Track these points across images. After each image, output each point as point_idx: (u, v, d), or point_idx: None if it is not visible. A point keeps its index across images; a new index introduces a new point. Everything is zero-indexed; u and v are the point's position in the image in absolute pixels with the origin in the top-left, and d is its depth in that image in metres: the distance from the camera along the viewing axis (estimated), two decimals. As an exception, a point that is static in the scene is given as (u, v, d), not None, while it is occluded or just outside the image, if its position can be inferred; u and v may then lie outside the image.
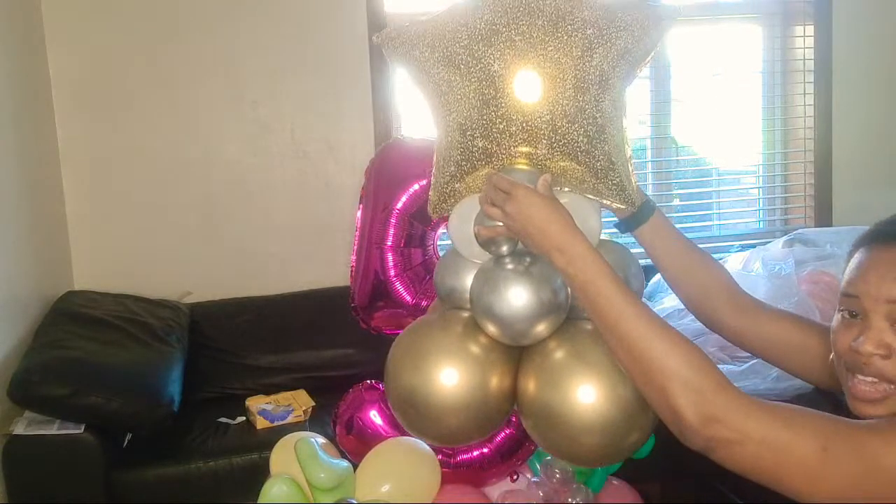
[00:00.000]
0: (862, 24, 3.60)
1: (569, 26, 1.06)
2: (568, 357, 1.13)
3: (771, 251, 3.17)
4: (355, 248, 1.70)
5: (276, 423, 2.71)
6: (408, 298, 1.65)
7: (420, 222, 1.67)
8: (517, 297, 1.11)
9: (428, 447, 1.47)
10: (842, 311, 1.04)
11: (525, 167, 1.10)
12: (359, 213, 1.70)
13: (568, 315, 1.17)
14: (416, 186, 1.63)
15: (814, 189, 3.67)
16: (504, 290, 1.11)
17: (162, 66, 3.14)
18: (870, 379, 0.99)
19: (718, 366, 3.02)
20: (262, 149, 3.24)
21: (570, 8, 1.07)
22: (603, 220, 1.22)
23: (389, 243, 1.64)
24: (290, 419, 2.73)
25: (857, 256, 1.04)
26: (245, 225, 3.26)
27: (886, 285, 0.98)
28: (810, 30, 3.58)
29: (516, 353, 1.19)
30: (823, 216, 3.66)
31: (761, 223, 3.84)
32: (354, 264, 1.70)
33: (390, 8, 3.29)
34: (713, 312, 1.26)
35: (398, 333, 1.71)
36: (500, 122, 1.09)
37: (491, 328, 1.15)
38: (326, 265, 3.20)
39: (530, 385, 1.15)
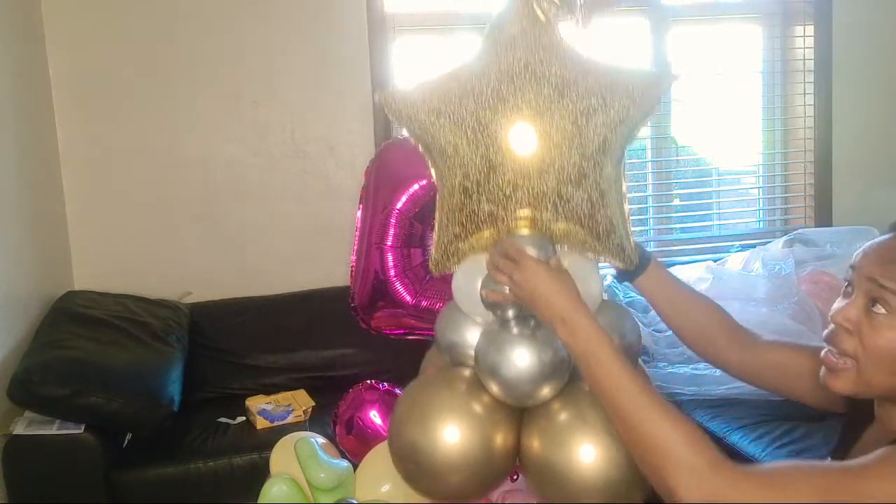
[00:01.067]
0: (862, 24, 3.60)
1: (574, 94, 1.07)
2: (571, 418, 1.15)
3: (771, 251, 3.17)
4: (355, 248, 1.70)
5: (276, 423, 2.70)
6: (408, 298, 1.65)
7: (420, 222, 1.67)
8: (522, 359, 1.13)
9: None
10: (844, 282, 1.08)
11: (531, 232, 1.12)
12: (359, 213, 1.70)
13: (570, 376, 1.18)
14: (416, 186, 1.63)
15: (814, 189, 3.67)
16: (509, 353, 1.13)
17: (162, 66, 3.14)
18: (835, 352, 1.04)
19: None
20: (262, 149, 3.24)
21: (574, 76, 1.08)
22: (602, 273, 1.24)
23: (389, 243, 1.64)
24: (290, 419, 2.73)
25: (883, 236, 1.07)
26: (245, 225, 3.26)
27: (874, 264, 1.02)
28: (810, 30, 3.58)
29: (519, 412, 1.20)
30: (823, 216, 3.66)
31: (761, 223, 3.84)
32: (354, 264, 1.70)
33: (390, 8, 3.29)
34: (716, 352, 1.30)
35: (398, 333, 1.71)
36: (507, 187, 1.10)
37: (495, 389, 1.16)
38: (326, 265, 3.20)
39: (534, 444, 1.17)
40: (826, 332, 1.06)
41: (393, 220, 1.64)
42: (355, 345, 2.98)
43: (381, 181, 1.69)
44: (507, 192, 1.10)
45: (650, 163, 3.68)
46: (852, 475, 0.95)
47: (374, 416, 1.70)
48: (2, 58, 2.70)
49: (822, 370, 1.07)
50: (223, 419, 2.77)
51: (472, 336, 1.20)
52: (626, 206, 1.17)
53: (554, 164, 1.08)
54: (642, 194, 3.68)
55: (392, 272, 1.64)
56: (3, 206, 2.63)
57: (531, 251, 1.10)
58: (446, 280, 1.69)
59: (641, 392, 1.04)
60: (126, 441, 2.60)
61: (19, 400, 2.44)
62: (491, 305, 1.15)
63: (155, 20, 3.11)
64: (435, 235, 1.20)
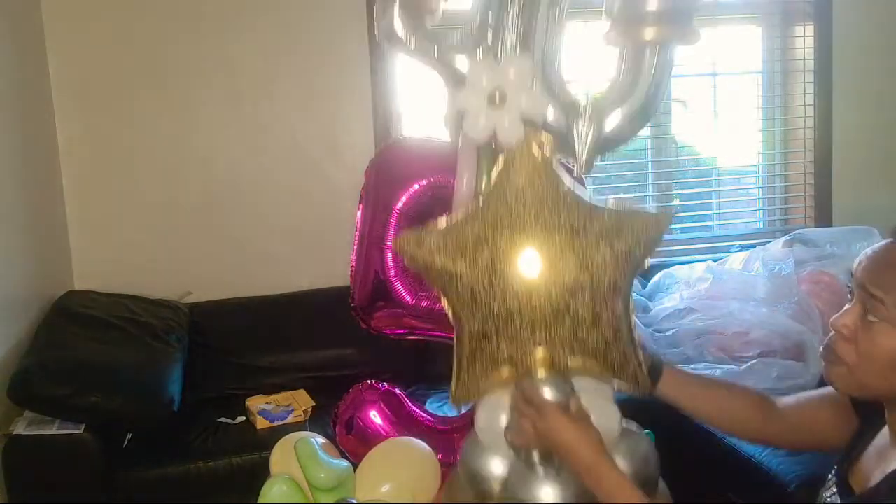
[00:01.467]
0: (862, 24, 3.60)
1: (584, 241, 1.10)
2: None
3: (771, 251, 3.17)
4: (355, 248, 1.70)
5: (276, 423, 2.70)
6: (408, 298, 1.65)
7: (420, 222, 1.67)
8: (548, 497, 1.16)
9: (428, 447, 1.47)
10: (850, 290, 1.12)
11: (548, 373, 1.15)
12: (359, 213, 1.70)
13: None
14: (416, 186, 1.63)
15: (814, 189, 3.68)
16: (536, 492, 1.16)
17: (162, 66, 3.13)
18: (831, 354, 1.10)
19: (719, 366, 3.06)
20: (262, 149, 3.24)
21: (583, 223, 1.11)
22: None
23: (389, 243, 1.64)
24: (290, 419, 2.73)
25: (879, 243, 1.10)
26: (245, 225, 3.26)
27: (868, 272, 1.06)
28: (810, 30, 3.58)
29: None
30: (823, 216, 3.66)
31: (761, 223, 3.84)
32: (354, 264, 1.70)
33: (390, 8, 3.28)
34: (756, 431, 1.32)
35: (398, 333, 1.71)
36: (525, 331, 1.13)
37: None
38: (326, 265, 3.19)
39: None
40: (827, 337, 1.11)
41: (393, 220, 1.63)
42: (355, 345, 2.97)
43: (381, 181, 1.69)
44: (525, 336, 1.13)
45: (650, 163, 3.68)
46: None
47: (374, 416, 1.70)
48: (2, 58, 2.70)
49: (826, 369, 1.11)
50: (223, 419, 2.77)
51: (496, 468, 1.22)
52: (637, 334, 1.20)
53: (569, 309, 1.11)
54: (642, 194, 3.68)
55: (392, 272, 1.64)
56: (3, 206, 2.63)
57: (552, 395, 1.13)
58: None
59: None
60: (126, 441, 2.60)
61: (19, 400, 2.43)
62: (516, 449, 1.19)
63: (155, 21, 3.11)
64: (454, 373, 1.23)
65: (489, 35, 1.11)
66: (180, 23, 3.13)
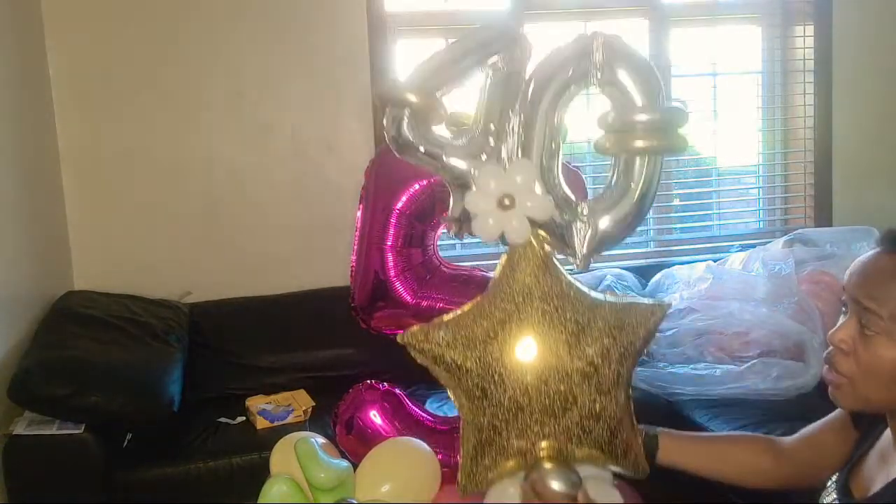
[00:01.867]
0: (862, 24, 3.60)
1: (589, 338, 1.14)
2: None
3: (771, 251, 3.17)
4: (355, 248, 1.70)
5: (276, 423, 2.70)
6: (408, 298, 1.65)
7: (420, 222, 1.67)
8: None
9: (428, 447, 1.47)
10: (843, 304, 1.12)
11: (555, 464, 1.17)
12: (359, 213, 1.70)
13: None
14: (416, 186, 1.62)
15: (814, 189, 3.68)
16: None
17: (162, 66, 3.14)
18: (833, 372, 1.10)
19: (719, 366, 3.05)
20: (262, 149, 3.24)
21: (587, 320, 1.15)
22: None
23: (389, 243, 1.64)
24: (290, 419, 2.73)
25: (866, 254, 1.11)
26: (245, 225, 3.26)
27: (860, 287, 1.06)
28: (810, 30, 3.58)
29: None
30: (823, 216, 3.66)
31: (761, 223, 3.84)
32: (354, 264, 1.70)
33: (390, 8, 3.29)
34: (767, 475, 1.32)
35: (398, 333, 1.71)
36: (535, 426, 1.17)
37: None
38: (326, 265, 3.20)
39: None
40: (825, 352, 1.12)
41: (393, 220, 1.63)
42: (355, 345, 2.97)
43: (381, 181, 1.68)
44: (535, 430, 1.17)
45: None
46: None
47: (374, 416, 1.70)
48: (2, 58, 2.70)
49: (830, 389, 1.12)
50: (223, 419, 2.77)
51: None
52: (636, 423, 1.23)
53: (576, 402, 1.16)
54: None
55: (392, 272, 1.63)
56: (3, 207, 2.63)
57: (561, 487, 1.14)
58: (446, 279, 1.69)
59: None
60: (126, 441, 2.60)
61: (19, 400, 2.43)
62: None
63: (155, 20, 3.11)
64: (461, 463, 1.25)
65: (492, 139, 1.16)
66: (180, 23, 3.13)
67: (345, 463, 1.36)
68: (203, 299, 3.16)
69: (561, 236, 1.16)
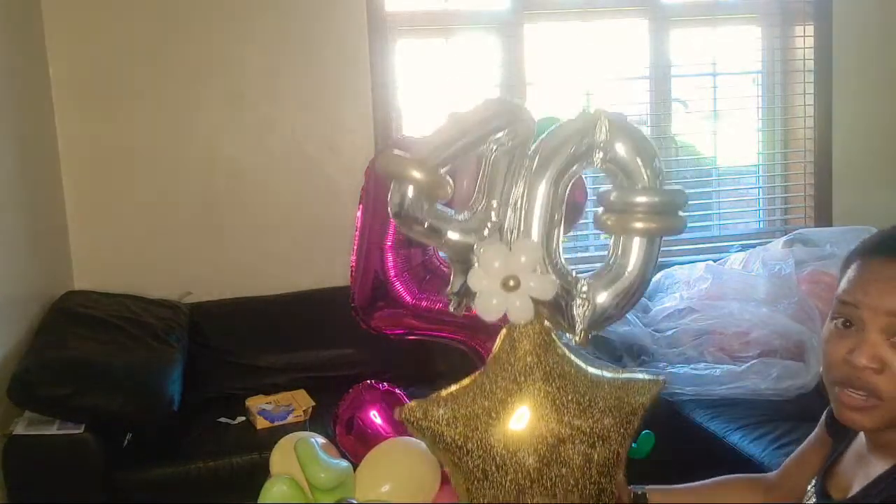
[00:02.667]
0: (862, 24, 3.60)
1: (590, 419, 1.15)
2: None
3: (771, 251, 3.17)
4: (355, 248, 1.69)
5: (275, 423, 2.71)
6: (408, 298, 1.64)
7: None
8: None
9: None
10: (836, 319, 1.05)
11: None
12: (359, 213, 1.70)
13: None
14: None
15: (814, 189, 3.68)
16: None
17: (162, 65, 3.14)
18: (860, 394, 1.01)
19: (719, 366, 3.05)
20: (262, 149, 3.24)
21: (588, 401, 1.15)
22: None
23: (389, 243, 1.64)
24: (289, 419, 2.73)
25: (857, 265, 1.05)
26: (245, 225, 3.26)
27: (888, 298, 0.99)
28: (810, 30, 3.58)
29: None
30: (823, 216, 3.66)
31: (761, 223, 3.84)
32: (354, 264, 1.70)
33: (390, 7, 3.29)
34: None
35: (398, 333, 1.71)
36: None
37: None
38: (326, 265, 3.20)
39: None
40: (839, 374, 1.03)
41: (393, 220, 1.63)
42: (355, 345, 2.97)
43: (381, 181, 1.68)
44: None
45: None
46: None
47: (375, 416, 1.70)
48: (2, 58, 2.70)
49: (841, 409, 1.04)
50: (223, 419, 2.77)
51: None
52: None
53: (577, 485, 1.16)
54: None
55: (392, 272, 1.63)
56: (3, 207, 2.63)
57: None
58: (446, 280, 1.69)
59: None
60: (126, 441, 2.60)
61: (19, 400, 2.43)
62: None
63: (155, 20, 3.11)
64: None
65: (494, 214, 1.17)
66: (180, 23, 3.13)
67: (345, 463, 1.36)
68: (203, 299, 3.16)
69: (560, 312, 1.16)
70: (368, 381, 1.78)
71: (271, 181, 3.26)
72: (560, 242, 1.19)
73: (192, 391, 2.81)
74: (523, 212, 1.16)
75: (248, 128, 3.23)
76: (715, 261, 3.28)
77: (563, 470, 1.15)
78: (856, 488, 1.09)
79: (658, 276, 3.29)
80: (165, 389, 2.60)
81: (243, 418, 2.78)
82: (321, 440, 1.39)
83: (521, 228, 1.16)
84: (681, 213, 1.15)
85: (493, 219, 1.17)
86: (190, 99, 3.17)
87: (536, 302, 1.14)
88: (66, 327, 2.73)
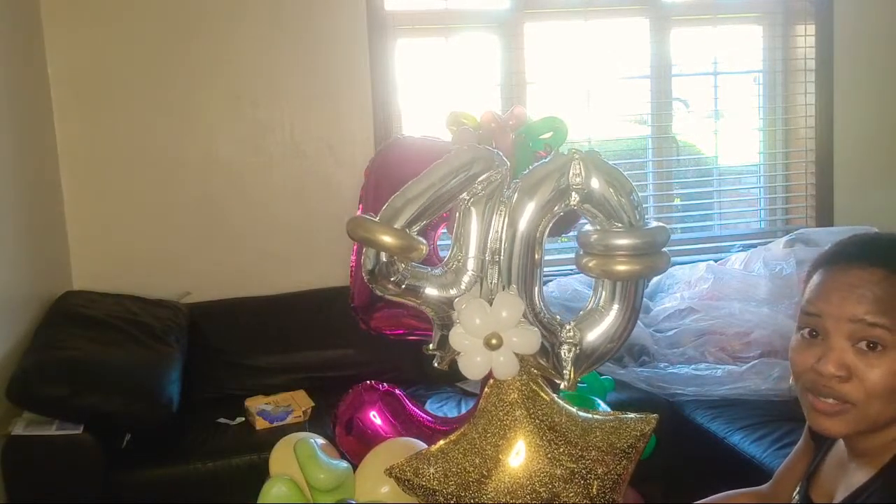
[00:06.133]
0: (863, 24, 3.59)
1: (583, 470, 1.13)
2: None
3: (772, 251, 3.17)
4: (355, 248, 1.69)
5: (275, 424, 2.70)
6: (407, 298, 1.64)
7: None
8: None
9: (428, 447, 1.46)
10: (802, 329, 1.06)
11: None
12: (359, 213, 1.69)
13: None
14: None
15: (815, 189, 3.67)
16: None
17: (161, 65, 3.13)
18: (830, 401, 1.02)
19: (720, 366, 3.04)
20: (262, 149, 3.24)
21: (580, 451, 1.13)
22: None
23: (389, 243, 1.63)
24: (289, 420, 2.73)
25: (818, 276, 1.07)
26: (245, 225, 3.26)
27: (849, 305, 1.00)
28: (811, 29, 3.58)
29: None
30: (824, 216, 3.66)
31: (762, 223, 3.84)
32: (354, 264, 1.69)
33: (390, 7, 3.28)
34: None
35: (398, 333, 1.71)
36: None
37: None
38: (326, 265, 3.19)
39: None
40: (808, 383, 1.04)
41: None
42: (355, 345, 2.97)
43: (381, 181, 1.68)
44: None
45: (651, 162, 3.67)
46: None
47: (374, 417, 1.69)
48: (1, 57, 2.70)
49: (814, 415, 1.05)
50: (222, 419, 2.76)
51: None
52: None
53: None
54: (643, 194, 3.67)
55: (392, 272, 1.63)
56: (2, 207, 2.62)
57: None
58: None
59: None
60: (125, 441, 2.60)
61: (18, 400, 2.43)
62: None
63: (154, 20, 3.10)
64: None
65: (471, 267, 1.14)
66: (180, 22, 3.12)
67: (344, 464, 1.35)
68: (202, 299, 3.16)
69: (546, 357, 1.15)
70: (368, 382, 1.78)
71: (271, 181, 3.25)
72: (542, 288, 1.16)
73: (191, 391, 2.81)
74: (502, 260, 1.12)
75: (247, 128, 3.22)
76: (716, 261, 3.28)
77: None
78: (838, 496, 1.09)
79: (658, 276, 3.29)
80: (164, 390, 2.59)
81: (242, 419, 2.77)
82: (321, 441, 1.39)
83: (501, 278, 1.13)
84: (663, 251, 1.13)
85: (471, 270, 1.14)
86: (190, 99, 3.17)
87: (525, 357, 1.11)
88: (65, 327, 2.72)
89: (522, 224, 1.12)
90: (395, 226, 1.09)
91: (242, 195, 3.24)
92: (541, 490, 1.12)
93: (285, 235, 3.28)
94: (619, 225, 1.11)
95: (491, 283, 1.14)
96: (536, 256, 1.14)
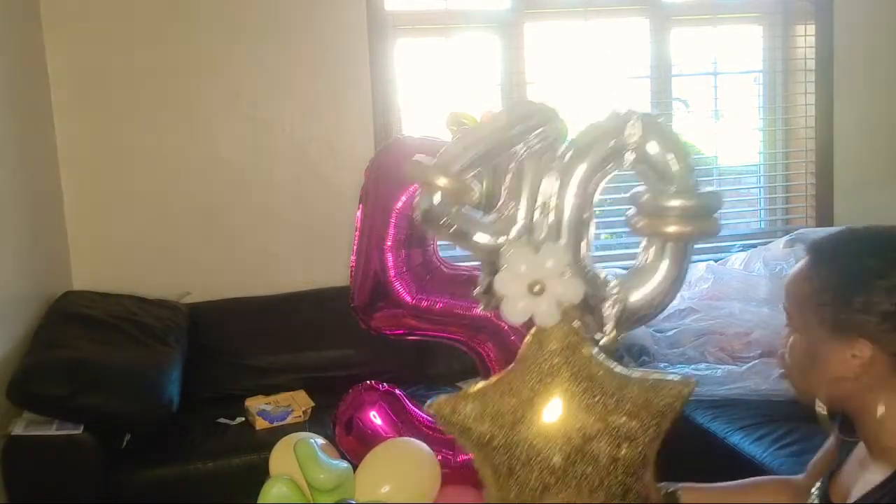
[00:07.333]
0: (863, 24, 3.59)
1: (616, 421, 1.15)
2: None
3: (772, 251, 3.16)
4: (355, 248, 1.69)
5: (275, 424, 2.70)
6: (408, 299, 1.64)
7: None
8: None
9: (428, 447, 1.46)
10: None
11: None
12: (359, 213, 1.69)
13: None
14: (416, 186, 1.62)
15: (815, 189, 3.67)
16: None
17: (161, 65, 3.13)
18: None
19: (720, 366, 3.05)
20: (262, 149, 3.24)
21: (615, 402, 1.15)
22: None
23: (389, 243, 1.63)
24: (289, 420, 2.73)
25: None
26: (245, 225, 3.26)
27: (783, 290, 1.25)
28: (811, 29, 3.58)
29: None
30: (824, 216, 3.66)
31: (762, 223, 3.83)
32: (354, 264, 1.69)
33: (390, 6, 3.28)
34: None
35: (398, 334, 1.71)
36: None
37: None
38: (326, 265, 3.19)
39: None
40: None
41: (393, 220, 1.62)
42: (355, 345, 2.97)
43: (381, 181, 1.68)
44: None
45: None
46: None
47: (374, 417, 1.69)
48: (1, 57, 2.70)
49: None
50: (222, 419, 2.76)
51: None
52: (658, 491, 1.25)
53: (602, 484, 1.17)
54: (643, 194, 3.67)
55: (392, 272, 1.63)
56: (2, 207, 2.62)
57: None
58: (446, 280, 1.68)
59: None
60: (125, 441, 2.60)
61: (18, 400, 2.43)
62: None
63: (154, 20, 3.11)
64: None
65: (522, 216, 1.18)
66: (180, 23, 3.12)
67: (344, 463, 1.35)
68: (202, 299, 3.16)
69: (590, 313, 1.17)
70: (368, 382, 1.78)
71: (271, 181, 3.25)
72: (591, 242, 1.19)
73: (191, 391, 2.81)
74: (552, 214, 1.16)
75: (248, 128, 3.22)
76: (716, 261, 3.27)
77: (589, 469, 1.15)
78: (854, 494, 1.09)
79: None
80: (164, 390, 2.60)
81: (242, 419, 2.77)
82: (321, 441, 1.39)
83: (550, 231, 1.16)
84: (715, 216, 1.14)
85: (521, 221, 1.17)
86: (190, 99, 3.17)
87: (564, 304, 1.14)
88: (65, 328, 2.72)
89: (574, 181, 1.15)
90: (451, 170, 1.12)
91: (243, 195, 3.24)
92: (573, 436, 1.15)
93: (285, 235, 3.28)
94: (673, 187, 1.13)
95: (539, 235, 1.17)
96: (585, 215, 1.16)
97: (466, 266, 1.76)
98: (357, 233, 1.69)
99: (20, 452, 2.38)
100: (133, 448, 2.58)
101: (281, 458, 1.37)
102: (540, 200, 1.16)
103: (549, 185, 1.16)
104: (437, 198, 1.15)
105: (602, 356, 1.19)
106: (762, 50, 3.72)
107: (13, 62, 2.80)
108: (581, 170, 1.14)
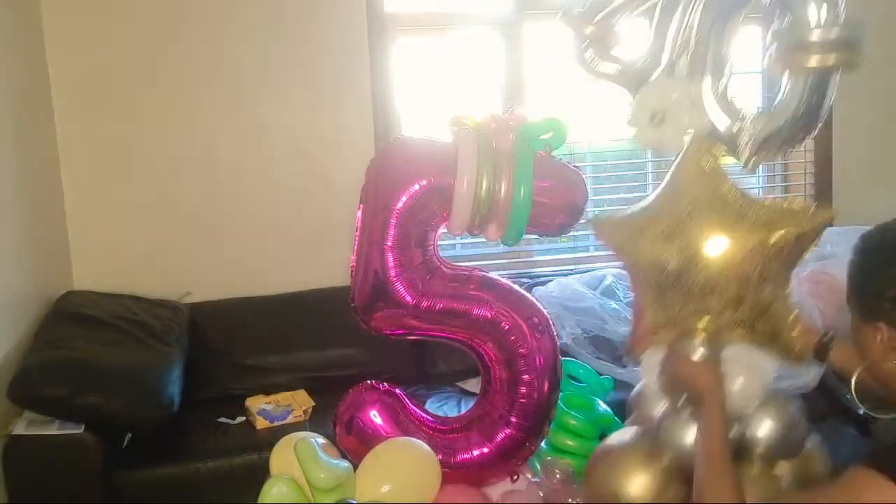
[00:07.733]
0: (862, 24, 3.59)
1: (740, 236, 1.36)
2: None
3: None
4: (355, 248, 1.69)
5: (275, 424, 2.70)
6: (408, 299, 1.64)
7: (420, 222, 1.66)
8: (690, 435, 1.40)
9: (428, 447, 1.47)
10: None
11: (701, 340, 1.39)
12: (359, 213, 1.70)
13: None
14: (416, 186, 1.62)
15: (814, 189, 3.67)
16: (680, 432, 1.43)
17: (162, 65, 3.13)
18: None
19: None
20: (262, 148, 3.24)
21: (738, 216, 1.36)
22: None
23: (389, 243, 1.63)
24: (289, 419, 2.73)
25: None
26: (245, 225, 3.26)
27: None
28: (811, 29, 3.57)
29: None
30: (824, 216, 3.66)
31: (762, 223, 3.83)
32: (354, 264, 1.69)
33: (390, 8, 3.29)
34: None
35: (398, 334, 1.71)
36: (687, 306, 1.38)
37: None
38: (326, 265, 3.19)
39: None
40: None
41: (393, 220, 1.63)
42: (355, 345, 2.97)
43: (381, 181, 1.68)
44: (690, 308, 1.37)
45: (650, 162, 3.68)
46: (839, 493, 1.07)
47: (374, 417, 1.70)
48: (1, 57, 2.70)
49: None
50: (223, 419, 2.77)
51: (657, 409, 1.50)
52: (794, 315, 1.42)
53: (739, 300, 1.36)
54: (643, 194, 3.67)
55: (392, 272, 1.63)
56: (3, 207, 2.62)
57: (698, 354, 1.36)
58: (446, 280, 1.69)
59: (724, 483, 1.24)
60: (126, 441, 2.60)
61: (19, 400, 2.43)
62: (663, 394, 1.44)
63: (155, 20, 3.11)
64: (631, 327, 1.50)
65: (665, 55, 1.35)
66: (180, 23, 3.13)
67: (345, 463, 1.36)
68: (203, 299, 3.16)
69: (729, 142, 1.34)
70: (368, 382, 1.78)
71: (271, 181, 3.26)
72: (729, 81, 1.38)
73: (191, 391, 2.81)
74: (693, 50, 1.30)
75: (248, 127, 3.22)
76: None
77: (718, 275, 1.34)
78: None
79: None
80: (165, 389, 2.60)
81: (243, 418, 2.78)
82: (321, 440, 1.40)
83: (692, 67, 1.31)
84: (857, 47, 1.18)
85: (666, 60, 1.33)
86: (190, 99, 3.17)
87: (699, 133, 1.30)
88: (66, 327, 2.73)
89: (712, 20, 1.28)
90: (597, 19, 1.39)
91: (243, 195, 3.24)
92: (719, 252, 1.35)
93: (286, 235, 3.28)
94: (812, 22, 1.16)
95: (682, 72, 1.35)
96: (724, 60, 1.28)
97: (466, 266, 1.77)
98: (357, 233, 1.69)
99: (21, 452, 2.38)
100: (133, 448, 2.58)
101: (281, 457, 1.38)
102: (681, 39, 1.32)
103: (690, 28, 1.32)
104: (586, 42, 1.42)
105: (735, 184, 1.39)
106: (762, 50, 3.72)
107: (14, 63, 2.80)
108: (721, 8, 1.31)
